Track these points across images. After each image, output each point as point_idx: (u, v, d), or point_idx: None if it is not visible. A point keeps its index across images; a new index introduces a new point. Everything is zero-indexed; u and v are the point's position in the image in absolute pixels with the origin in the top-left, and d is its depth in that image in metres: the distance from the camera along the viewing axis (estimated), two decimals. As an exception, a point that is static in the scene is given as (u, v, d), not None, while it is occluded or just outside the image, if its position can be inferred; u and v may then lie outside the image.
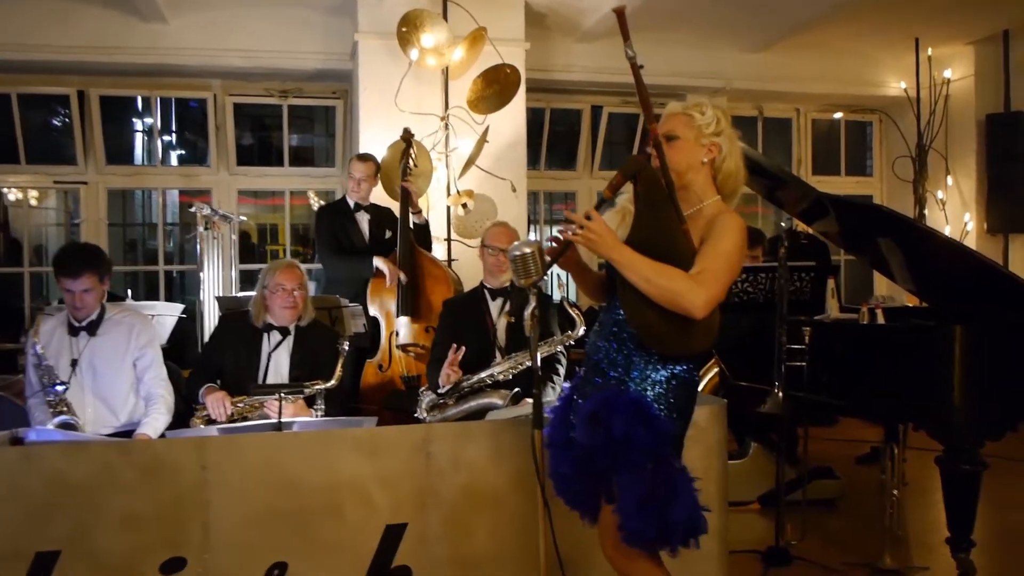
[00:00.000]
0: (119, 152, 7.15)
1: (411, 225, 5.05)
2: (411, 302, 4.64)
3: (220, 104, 6.96)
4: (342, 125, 7.18)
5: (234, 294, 5.26)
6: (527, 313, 2.28)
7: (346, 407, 3.91)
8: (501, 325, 3.86)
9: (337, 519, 2.78)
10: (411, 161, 5.00)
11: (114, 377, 3.51)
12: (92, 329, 3.50)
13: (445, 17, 5.85)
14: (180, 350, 4.89)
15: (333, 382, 3.43)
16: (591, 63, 7.15)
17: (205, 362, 3.76)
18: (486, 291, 3.93)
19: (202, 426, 3.44)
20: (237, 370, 3.64)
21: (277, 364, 3.67)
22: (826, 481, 4.53)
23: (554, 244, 2.30)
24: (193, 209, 5.26)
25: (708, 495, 3.01)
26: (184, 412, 3.66)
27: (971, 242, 7.48)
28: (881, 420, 3.90)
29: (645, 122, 2.25)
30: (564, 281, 5.94)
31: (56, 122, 7.09)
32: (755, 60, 7.66)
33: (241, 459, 2.75)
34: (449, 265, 5.69)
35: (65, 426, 3.21)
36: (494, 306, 3.91)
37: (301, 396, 3.42)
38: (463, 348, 3.68)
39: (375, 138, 5.85)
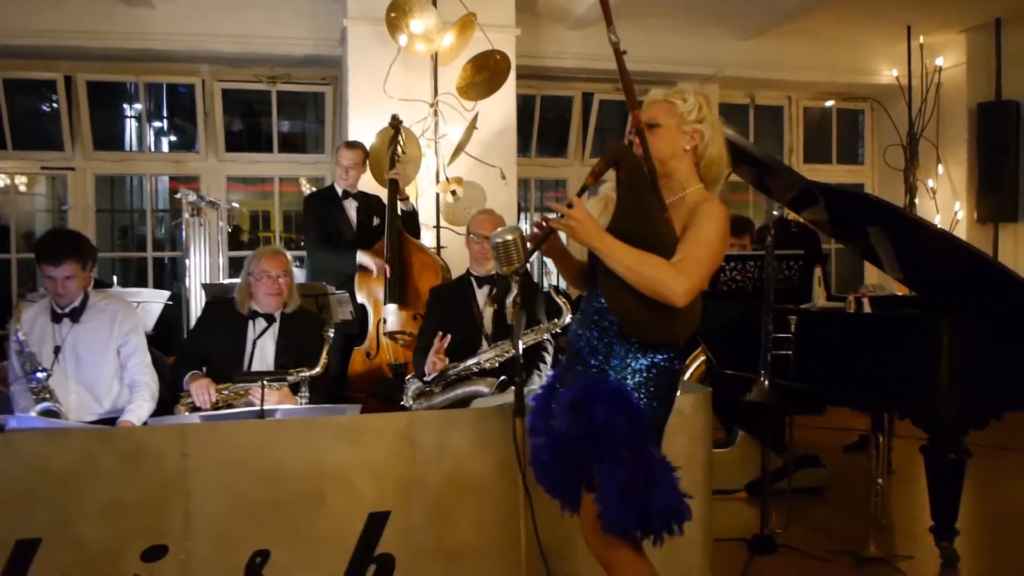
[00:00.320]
0: (107, 138, 7.11)
1: (399, 212, 5.04)
2: (398, 290, 4.63)
3: (208, 90, 6.91)
4: (331, 111, 7.14)
5: (221, 281, 5.22)
6: (509, 300, 2.27)
7: (332, 394, 3.90)
8: (488, 313, 3.84)
9: (320, 507, 2.77)
10: (399, 148, 4.98)
11: (97, 364, 3.49)
12: (75, 316, 3.47)
13: (434, 3, 5.80)
14: (167, 337, 4.86)
15: (318, 369, 3.42)
16: (582, 50, 7.12)
17: (190, 349, 3.74)
18: (472, 279, 3.92)
19: (186, 413, 3.43)
20: (222, 357, 3.62)
21: (262, 351, 3.65)
22: (813, 469, 4.53)
23: (536, 231, 2.29)
24: (179, 195, 5.22)
25: (693, 483, 3.02)
26: (169, 399, 3.64)
27: (961, 231, 7.48)
28: (866, 409, 3.90)
29: (628, 109, 2.23)
30: (551, 269, 5.93)
31: (44, 107, 7.03)
32: (747, 47, 7.64)
33: (223, 447, 2.74)
34: (438, 252, 5.68)
35: (47, 413, 3.19)
36: (480, 294, 3.89)
37: (285, 383, 3.40)
38: (449, 336, 3.67)
39: (364, 125, 5.81)
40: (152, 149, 7.34)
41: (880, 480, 3.51)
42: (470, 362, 3.68)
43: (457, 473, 2.88)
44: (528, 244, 2.28)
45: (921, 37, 7.31)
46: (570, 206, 2.18)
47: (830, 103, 8.26)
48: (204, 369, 3.61)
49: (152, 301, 4.62)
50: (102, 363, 3.50)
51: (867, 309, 3.61)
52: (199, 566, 2.69)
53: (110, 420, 3.44)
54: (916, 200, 7.59)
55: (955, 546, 3.48)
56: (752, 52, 7.65)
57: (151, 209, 7.09)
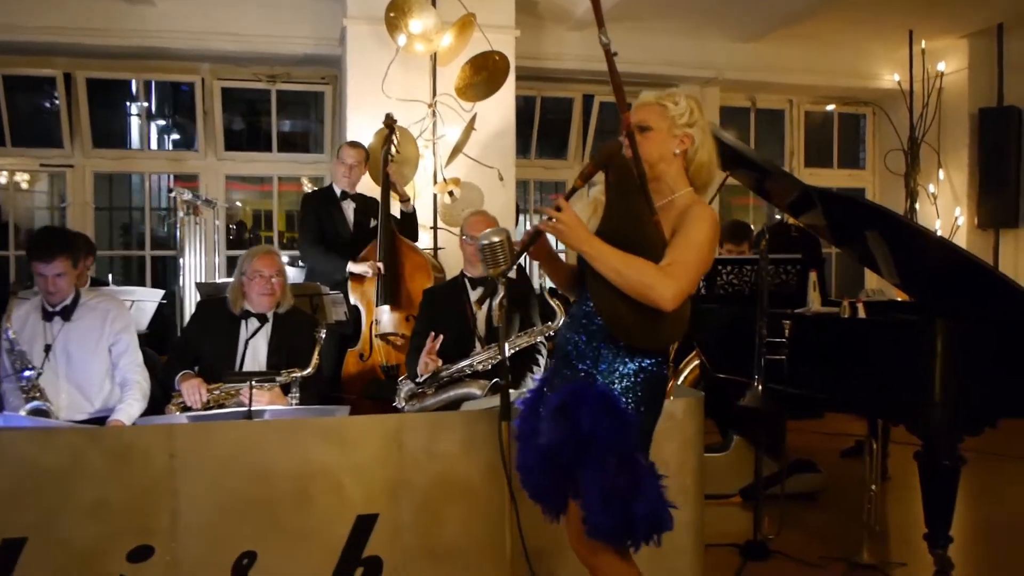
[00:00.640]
0: (108, 135, 7.10)
1: (399, 213, 5.03)
2: (391, 291, 4.62)
3: (208, 88, 6.91)
4: (331, 111, 7.13)
5: (215, 280, 5.21)
6: (495, 303, 2.25)
7: (324, 395, 3.89)
8: (481, 314, 3.82)
9: (307, 509, 2.76)
10: (393, 147, 4.96)
11: (88, 363, 3.48)
12: (66, 314, 3.47)
13: (434, 3, 5.79)
14: (162, 336, 4.85)
15: (309, 370, 3.41)
16: (583, 51, 7.10)
17: (182, 348, 3.73)
18: (466, 280, 3.90)
19: (177, 413, 3.42)
20: (214, 357, 3.61)
21: (255, 351, 3.64)
22: (808, 475, 4.51)
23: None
24: (173, 194, 5.21)
25: (684, 489, 3.03)
26: (161, 398, 3.64)
27: (962, 236, 7.46)
28: (860, 414, 3.88)
29: (618, 111, 2.22)
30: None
31: (44, 104, 7.04)
32: (748, 50, 7.62)
33: (210, 447, 2.73)
34: (435, 254, 5.67)
35: (37, 412, 3.19)
36: (474, 295, 3.87)
37: (275, 384, 3.39)
38: (441, 337, 3.65)
39: (363, 124, 5.80)
40: (156, 147, 7.32)
41: (874, 486, 3.49)
42: (463, 364, 3.66)
43: (446, 475, 2.86)
44: (516, 247, 2.27)
45: (923, 42, 7.29)
46: (558, 209, 2.17)
47: (831, 107, 8.24)
48: (196, 368, 3.59)
49: (146, 300, 4.62)
50: (93, 362, 3.49)
51: (861, 314, 3.58)
52: (185, 567, 2.68)
53: (101, 419, 3.42)
54: (917, 205, 7.57)
55: (949, 553, 3.46)
56: (753, 55, 7.64)
57: (149, 207, 7.08)
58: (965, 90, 7.53)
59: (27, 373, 3.23)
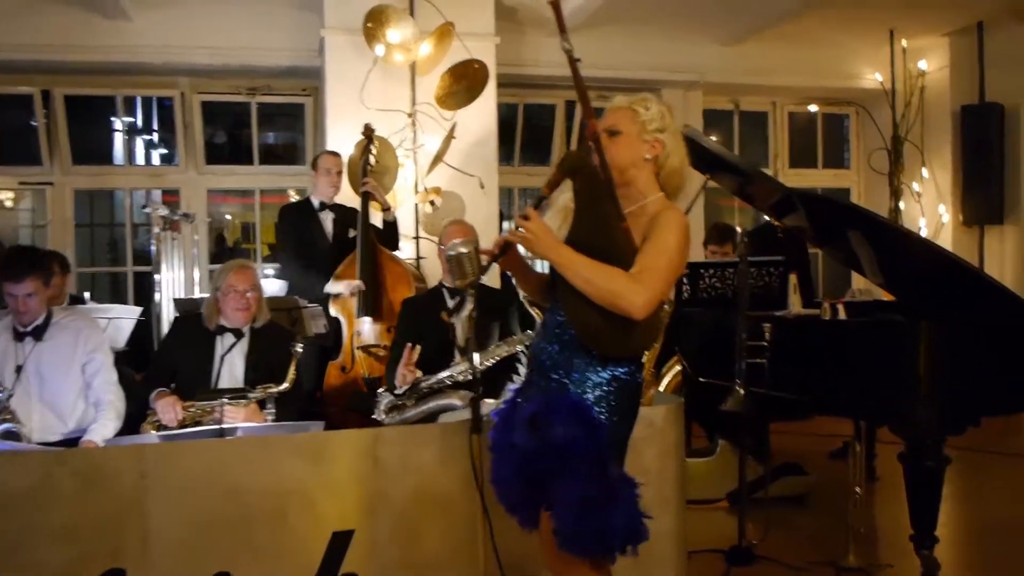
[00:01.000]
0: (90, 152, 7.05)
1: (381, 222, 5.00)
2: (372, 302, 4.58)
3: (188, 102, 6.87)
4: (312, 123, 7.10)
5: (193, 296, 5.17)
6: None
7: (303, 411, 3.85)
8: (459, 324, 3.79)
9: (282, 526, 2.71)
10: (372, 157, 4.93)
11: (61, 383, 3.43)
12: (38, 334, 3.42)
13: (412, 12, 5.77)
14: (142, 353, 4.80)
15: (286, 385, 3.37)
16: (564, 57, 7.05)
17: (158, 366, 3.68)
18: (445, 290, 3.86)
19: (152, 431, 3.37)
20: (190, 373, 3.56)
21: (231, 367, 3.60)
22: (794, 477, 4.48)
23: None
24: (147, 209, 5.17)
25: (664, 497, 3.00)
26: (137, 417, 3.58)
27: (947, 234, 7.45)
28: (842, 416, 3.86)
29: (583, 116, 2.19)
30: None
31: (24, 122, 6.99)
32: (730, 53, 7.61)
33: (182, 466, 2.68)
34: (417, 263, 5.63)
35: (7, 435, 3.13)
36: (464, 305, 3.84)
37: (253, 400, 3.34)
38: (418, 348, 3.61)
39: (344, 135, 5.76)
40: (142, 162, 7.27)
41: (858, 489, 3.45)
42: (443, 375, 3.61)
43: (423, 489, 2.82)
44: (484, 257, 2.23)
45: (904, 41, 7.30)
46: (526, 218, 2.14)
47: (814, 108, 8.23)
48: (173, 386, 3.55)
49: (124, 317, 4.57)
50: (66, 382, 3.44)
51: (842, 316, 3.56)
52: (158, 589, 2.63)
53: (75, 440, 3.38)
54: (902, 204, 7.56)
55: (936, 554, 3.44)
56: (735, 57, 7.63)
57: (131, 223, 7.03)
58: (947, 88, 7.52)
59: (-2, 395, 3.18)
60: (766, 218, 6.59)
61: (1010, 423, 5.82)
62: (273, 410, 3.29)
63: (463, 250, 2.16)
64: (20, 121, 6.94)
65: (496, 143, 6.33)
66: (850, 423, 4.36)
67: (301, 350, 3.44)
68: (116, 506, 2.63)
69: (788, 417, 4.75)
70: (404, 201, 5.81)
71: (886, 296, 5.21)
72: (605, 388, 2.21)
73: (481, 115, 6.09)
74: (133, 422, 3.58)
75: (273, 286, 5.42)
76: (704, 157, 4.28)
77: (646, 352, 3.52)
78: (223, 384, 3.55)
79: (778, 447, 5.35)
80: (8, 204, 7.03)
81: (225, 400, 3.06)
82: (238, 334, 3.61)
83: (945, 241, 7.44)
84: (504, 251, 2.23)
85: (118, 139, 7.02)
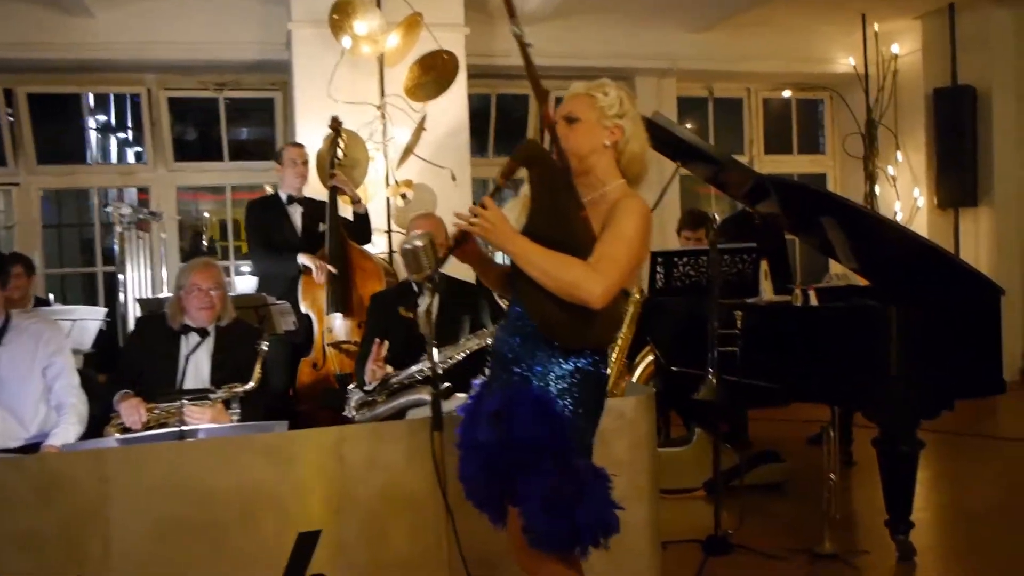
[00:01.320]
0: (57, 151, 6.93)
1: (351, 215, 4.94)
2: (342, 298, 4.52)
3: (155, 99, 6.76)
4: (282, 117, 7.01)
5: (159, 296, 5.08)
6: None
7: (273, 409, 3.79)
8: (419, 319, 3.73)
9: (246, 529, 2.65)
10: (339, 151, 4.86)
11: (21, 387, 3.34)
12: (-4, 338, 3.34)
13: (379, 3, 5.71)
14: (109, 355, 4.72)
15: (252, 384, 3.31)
16: (536, 47, 6.97)
17: (121, 367, 3.61)
18: (414, 284, 3.81)
19: (116, 435, 3.30)
20: (155, 374, 3.49)
21: (197, 367, 3.53)
22: (771, 465, 4.47)
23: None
24: (109, 208, 5.08)
25: (637, 489, 2.96)
26: (101, 420, 3.51)
27: (922, 217, 7.46)
28: (815, 402, 3.85)
29: (537, 103, 2.14)
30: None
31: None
32: (702, 40, 7.58)
33: (142, 470, 2.62)
34: (390, 258, 5.58)
35: (-34, 441, 3.06)
36: (422, 300, 3.78)
37: (219, 400, 3.28)
38: (387, 343, 3.56)
39: (312, 129, 5.68)
40: (112, 160, 7.15)
41: (832, 476, 3.44)
42: (413, 369, 3.56)
43: (390, 487, 2.77)
44: (440, 250, 2.19)
45: (876, 24, 7.28)
46: (483, 207, 2.10)
47: (787, 93, 8.21)
48: (137, 388, 3.48)
49: (89, 318, 4.48)
50: (27, 386, 3.35)
51: (813, 302, 3.53)
52: (120, 596, 2.57)
53: (37, 445, 3.30)
54: (877, 188, 7.56)
55: (913, 538, 3.43)
56: (708, 44, 7.60)
57: (99, 223, 6.92)
58: (920, 71, 7.53)
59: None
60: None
61: (985, 405, 5.85)
62: (239, 410, 3.23)
63: (418, 243, 2.10)
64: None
65: (468, 134, 6.28)
66: (829, 408, 4.37)
67: (267, 348, 3.39)
68: (76, 513, 2.56)
69: (766, 404, 4.74)
70: (375, 195, 5.74)
71: (862, 281, 5.21)
72: (568, 380, 2.17)
73: (452, 106, 6.03)
74: (97, 425, 3.51)
75: (250, 283, 5.35)
76: (675, 145, 4.25)
77: (616, 342, 3.52)
78: (189, 384, 3.49)
79: (758, 434, 5.35)
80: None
81: (185, 401, 2.98)
82: (203, 333, 3.55)
83: (920, 224, 7.45)
84: (460, 242, 2.18)
85: (86, 137, 6.90)
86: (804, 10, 7.15)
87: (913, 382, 3.26)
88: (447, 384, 3.51)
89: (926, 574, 3.36)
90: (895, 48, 7.42)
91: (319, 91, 5.71)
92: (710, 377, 3.44)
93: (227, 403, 3.31)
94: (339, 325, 4.57)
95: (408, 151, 5.51)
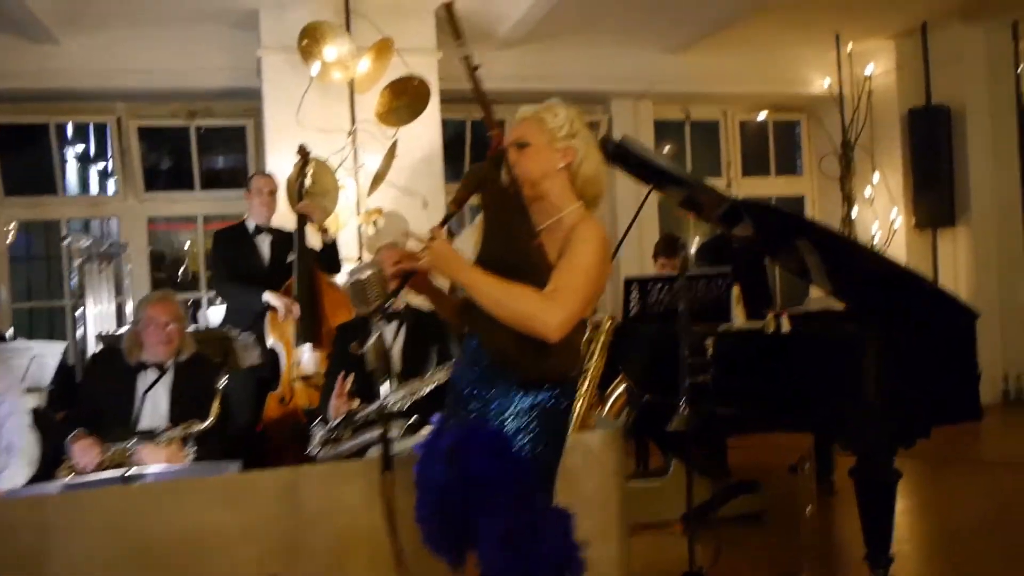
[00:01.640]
0: (26, 182, 6.78)
1: (320, 245, 4.84)
2: (311, 329, 4.41)
3: (124, 128, 6.66)
4: (254, 145, 6.91)
5: (117, 331, 4.94)
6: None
7: (240, 445, 3.68)
8: (396, 350, 3.64)
9: (197, 576, 2.55)
10: (307, 179, 4.77)
11: (-31, 428, 3.23)
12: (-56, 377, 3.22)
13: (349, 28, 5.65)
14: (70, 391, 4.57)
15: (209, 422, 3.20)
16: (510, 71, 6.95)
17: (77, 405, 3.49)
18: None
19: (68, 477, 3.18)
20: (111, 412, 3.38)
21: (155, 404, 3.42)
22: (749, 496, 4.36)
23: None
24: (67, 242, 4.95)
25: (606, 526, 2.87)
26: (54, 462, 3.38)
27: (900, 238, 7.42)
28: (791, 432, 3.77)
29: (486, 128, 2.07)
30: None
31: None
32: (677, 62, 7.53)
33: (86, 517, 2.51)
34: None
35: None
36: (388, 330, 3.69)
37: (174, 439, 3.17)
38: (351, 377, 3.45)
39: (284, 157, 5.59)
40: (84, 191, 7.03)
41: (810, 506, 3.34)
42: (378, 405, 3.46)
43: (347, 529, 2.67)
44: (390, 283, 2.10)
45: (850, 44, 7.27)
46: (433, 238, 2.01)
47: (763, 115, 8.19)
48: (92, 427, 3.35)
49: (47, 354, 4.35)
50: (-26, 427, 3.24)
51: (786, 327, 3.45)
52: (62, 650, 2.45)
53: (-14, 488, 3.17)
54: (855, 207, 7.52)
55: (895, 566, 3.33)
56: (683, 66, 7.55)
57: (67, 256, 6.77)
58: (894, 91, 7.51)
59: None
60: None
61: (966, 430, 5.76)
62: (193, 449, 3.12)
63: (364, 275, 2.03)
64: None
65: (442, 160, 6.20)
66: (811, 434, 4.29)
67: (224, 385, 3.27)
68: (15, 563, 2.44)
69: (744, 431, 4.65)
70: (347, 222, 5.65)
71: (840, 305, 5.15)
72: (527, 416, 2.09)
73: (426, 132, 5.97)
74: (50, 466, 3.38)
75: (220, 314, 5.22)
76: (646, 167, 4.19)
77: (586, 372, 3.44)
78: (146, 422, 3.39)
79: (740, 462, 5.24)
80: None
81: (134, 440, 2.87)
82: (161, 369, 3.44)
83: (899, 244, 7.42)
84: (410, 275, 2.09)
85: (54, 168, 6.76)
86: (778, 31, 7.12)
87: (889, 410, 3.17)
88: (415, 417, 3.43)
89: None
90: (869, 68, 7.41)
91: (289, 118, 5.64)
92: (682, 407, 3.34)
93: (187, 441, 3.20)
94: (308, 358, 4.45)
95: (379, 178, 5.44)
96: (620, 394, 4.08)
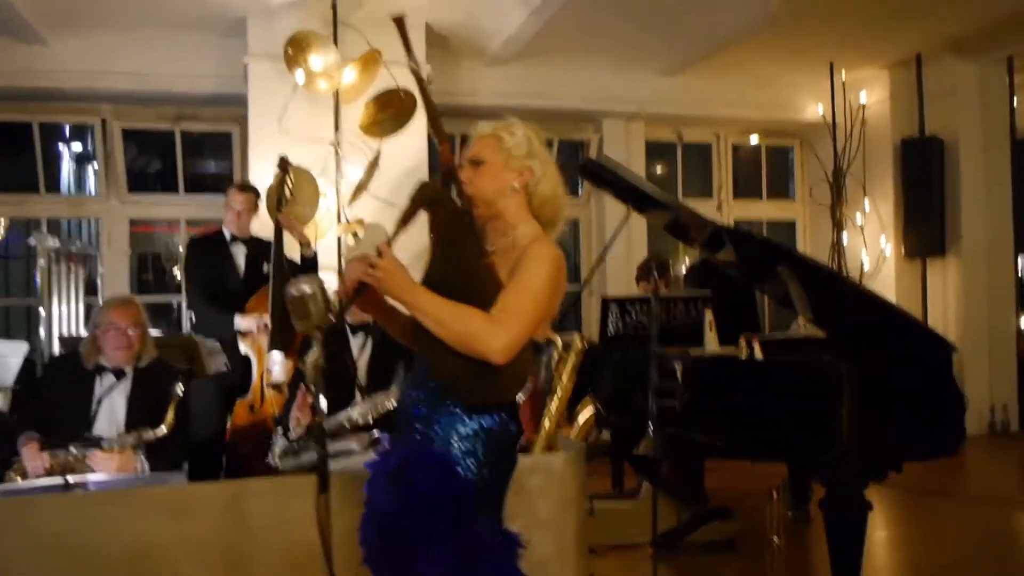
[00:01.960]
0: (9, 181, 6.74)
1: (300, 257, 4.77)
2: (282, 335, 4.33)
3: (109, 130, 6.61)
4: (239, 151, 6.87)
5: (80, 334, 4.87)
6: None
7: (198, 455, 3.61)
8: (362, 363, 3.59)
9: (136, 590, 2.47)
10: (287, 190, 4.71)
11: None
12: None
13: (335, 38, 5.61)
14: (33, 392, 4.51)
15: (162, 429, 3.13)
16: (500, 87, 6.95)
17: (31, 408, 3.42)
18: (347, 327, 3.66)
19: (19, 480, 3.11)
20: (65, 416, 3.31)
21: (112, 409, 3.35)
22: (721, 522, 4.29)
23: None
24: (33, 242, 4.89)
25: (563, 551, 2.80)
26: (5, 464, 3.31)
27: (889, 267, 7.38)
28: (759, 460, 3.70)
29: (436, 143, 2.02)
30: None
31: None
32: (671, 84, 7.52)
33: (25, 526, 2.44)
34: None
35: None
36: (355, 342, 3.64)
37: (125, 447, 3.10)
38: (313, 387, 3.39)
39: (267, 165, 5.54)
40: (69, 190, 6.97)
41: (776, 538, 3.27)
42: (341, 416, 3.40)
43: (296, 544, 2.59)
44: (333, 299, 2.04)
45: (844, 73, 7.25)
46: (380, 254, 1.96)
47: (755, 139, 8.15)
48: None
49: (9, 355, 4.29)
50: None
51: (758, 354, 3.39)
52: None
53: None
54: (845, 235, 7.47)
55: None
56: (677, 88, 7.53)
57: (48, 256, 6.70)
58: (888, 121, 7.48)
59: None
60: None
61: (951, 462, 5.71)
62: (144, 459, 3.05)
63: (307, 290, 1.95)
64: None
65: (428, 173, 6.15)
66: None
67: (182, 392, 3.21)
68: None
69: (717, 456, 4.59)
70: (327, 231, 5.60)
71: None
72: (472, 441, 2.02)
73: (411, 145, 5.92)
74: (1, 468, 3.31)
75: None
76: (624, 188, 4.13)
77: (556, 392, 3.38)
78: (102, 427, 3.32)
79: (719, 485, 5.17)
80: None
81: (82, 448, 2.80)
82: (119, 374, 3.38)
83: (888, 274, 7.37)
84: (359, 292, 2.03)
85: (39, 167, 6.70)
86: (773, 57, 7.10)
87: (859, 442, 3.10)
88: (375, 433, 3.36)
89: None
90: (863, 97, 7.38)
91: (274, 126, 5.60)
92: (649, 431, 3.28)
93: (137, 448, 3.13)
94: (279, 366, 4.38)
95: (360, 189, 5.38)
96: (590, 416, 4.02)
